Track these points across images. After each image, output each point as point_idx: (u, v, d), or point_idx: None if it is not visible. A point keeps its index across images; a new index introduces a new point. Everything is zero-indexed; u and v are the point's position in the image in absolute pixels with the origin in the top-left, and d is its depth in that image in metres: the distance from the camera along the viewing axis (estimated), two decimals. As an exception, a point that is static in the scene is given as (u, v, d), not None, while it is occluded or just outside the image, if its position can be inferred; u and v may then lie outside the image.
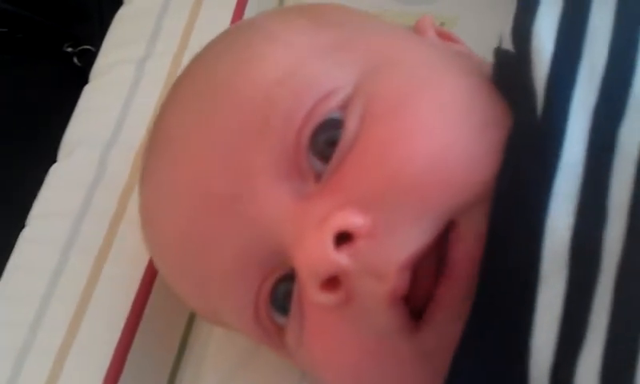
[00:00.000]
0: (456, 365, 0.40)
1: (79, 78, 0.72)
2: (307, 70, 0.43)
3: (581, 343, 0.36)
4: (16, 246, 0.60)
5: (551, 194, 0.37)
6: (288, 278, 0.43)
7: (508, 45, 0.44)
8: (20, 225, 0.62)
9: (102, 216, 0.59)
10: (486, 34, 0.50)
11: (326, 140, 0.41)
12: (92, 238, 0.59)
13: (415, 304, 0.40)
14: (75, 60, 0.87)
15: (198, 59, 0.50)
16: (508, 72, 0.43)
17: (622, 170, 0.37)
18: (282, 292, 0.43)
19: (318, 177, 0.41)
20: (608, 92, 0.39)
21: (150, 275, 0.56)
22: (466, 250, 0.39)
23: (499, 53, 0.45)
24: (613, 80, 0.39)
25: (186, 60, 0.59)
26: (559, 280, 0.37)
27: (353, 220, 0.39)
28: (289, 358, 0.46)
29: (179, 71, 0.54)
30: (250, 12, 0.66)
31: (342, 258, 0.39)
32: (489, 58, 0.46)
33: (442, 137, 0.40)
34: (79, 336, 0.55)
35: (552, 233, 0.37)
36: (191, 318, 0.57)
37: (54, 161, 0.65)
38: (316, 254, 0.39)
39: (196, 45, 0.54)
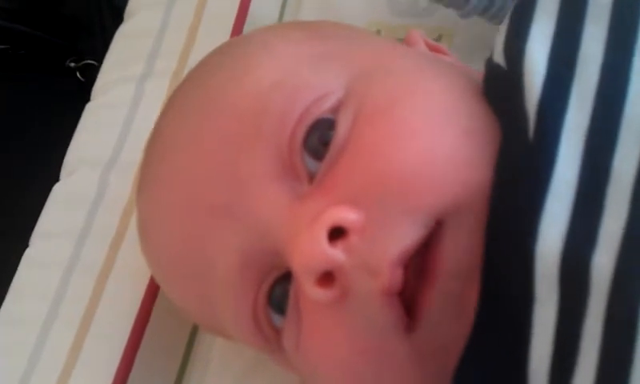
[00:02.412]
0: (458, 379, 0.40)
1: (82, 93, 0.72)
2: (300, 75, 0.44)
3: (573, 367, 0.36)
4: (19, 267, 0.61)
5: (541, 216, 0.37)
6: (285, 279, 0.43)
7: (499, 57, 0.44)
8: (23, 241, 0.63)
9: (104, 236, 0.60)
10: (483, 47, 0.51)
11: (319, 138, 0.42)
12: (93, 259, 0.59)
13: (410, 302, 0.41)
14: (78, 75, 0.87)
15: (193, 73, 0.51)
16: (499, 88, 0.43)
17: (617, 198, 0.37)
18: (279, 293, 0.44)
19: (312, 177, 0.42)
20: (600, 116, 0.39)
21: (151, 293, 0.57)
22: (444, 259, 0.40)
23: (490, 65, 0.45)
24: (604, 103, 0.39)
25: (185, 78, 0.59)
26: (551, 302, 0.37)
27: (345, 215, 0.39)
28: (287, 365, 0.46)
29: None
30: (248, 30, 0.66)
31: (335, 253, 0.39)
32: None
33: (427, 139, 0.41)
34: (82, 356, 0.55)
35: (542, 255, 0.37)
36: (192, 336, 0.57)
37: (58, 176, 0.66)
38: (310, 249, 0.39)
39: (195, 63, 0.54)
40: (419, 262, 0.40)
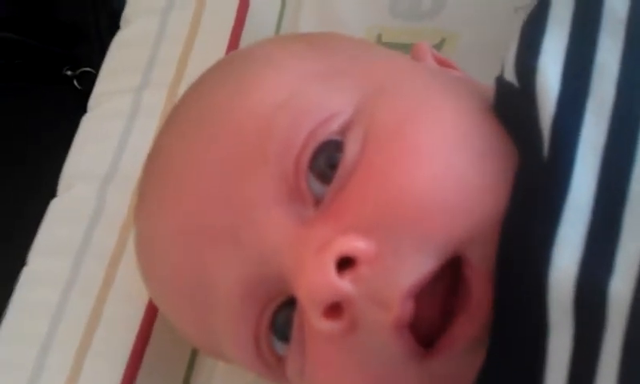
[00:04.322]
0: None
1: (80, 101, 0.71)
2: (306, 94, 0.42)
3: None
4: (17, 285, 0.60)
5: (555, 241, 0.36)
6: (288, 305, 0.42)
7: (510, 74, 0.42)
8: (21, 256, 0.62)
9: (102, 253, 0.59)
10: (488, 49, 0.50)
11: (326, 161, 0.41)
12: (92, 277, 0.58)
13: (421, 331, 0.39)
14: (75, 83, 0.86)
15: (194, 88, 0.49)
16: (511, 106, 0.42)
17: (634, 221, 0.36)
18: (282, 320, 0.42)
19: (318, 201, 0.41)
20: (616, 134, 0.37)
21: (151, 314, 0.56)
22: (481, 284, 0.38)
23: (501, 83, 0.43)
24: (622, 120, 0.38)
25: (182, 89, 0.58)
26: (566, 330, 0.36)
27: (355, 244, 0.38)
28: None
29: (176, 101, 0.53)
30: (245, 41, 0.65)
31: (344, 284, 0.38)
32: (490, 74, 0.45)
33: (439, 163, 0.39)
34: (81, 378, 0.54)
35: (556, 282, 0.36)
36: (193, 356, 0.56)
37: (55, 187, 0.65)
38: (317, 279, 0.38)
39: (192, 73, 0.53)
40: (436, 291, 0.39)
